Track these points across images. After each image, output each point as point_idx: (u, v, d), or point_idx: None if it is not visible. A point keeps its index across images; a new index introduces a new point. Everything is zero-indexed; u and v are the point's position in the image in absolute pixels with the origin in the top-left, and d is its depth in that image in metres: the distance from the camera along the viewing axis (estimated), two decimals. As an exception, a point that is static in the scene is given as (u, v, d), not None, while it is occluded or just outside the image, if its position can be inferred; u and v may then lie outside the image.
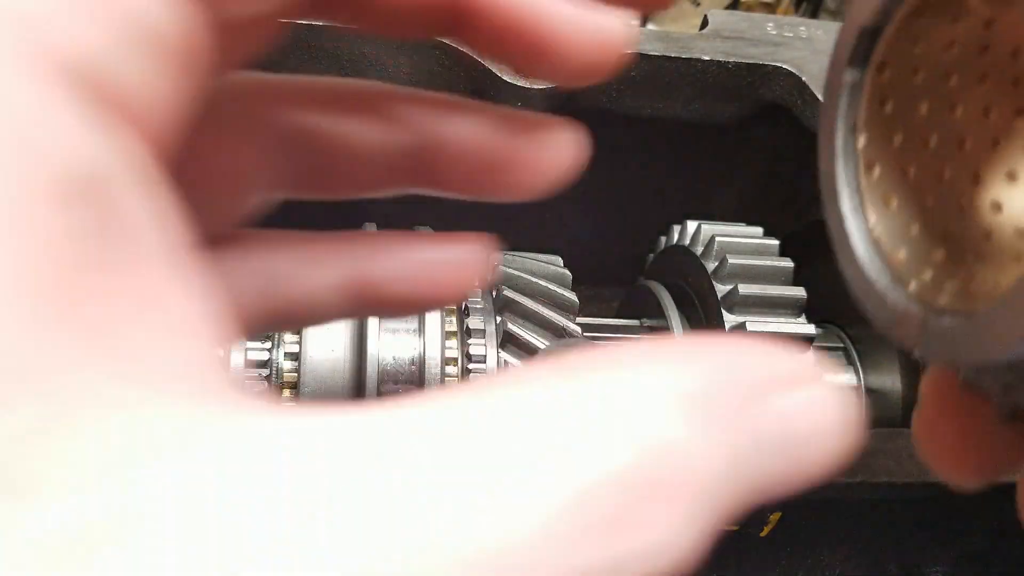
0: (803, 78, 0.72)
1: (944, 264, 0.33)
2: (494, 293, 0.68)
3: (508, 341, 0.65)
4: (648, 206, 0.88)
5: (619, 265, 0.90)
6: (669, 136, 0.79)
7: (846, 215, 0.33)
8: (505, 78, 0.69)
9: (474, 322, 0.66)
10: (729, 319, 0.65)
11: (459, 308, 0.67)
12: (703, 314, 0.69)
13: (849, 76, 0.32)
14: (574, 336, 0.65)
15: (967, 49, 0.32)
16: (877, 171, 0.34)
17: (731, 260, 0.66)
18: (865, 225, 0.33)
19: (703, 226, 0.71)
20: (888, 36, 0.31)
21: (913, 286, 0.32)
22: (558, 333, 0.66)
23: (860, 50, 0.32)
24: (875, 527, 0.60)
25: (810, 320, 0.66)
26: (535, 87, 0.69)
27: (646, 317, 0.75)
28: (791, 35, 0.76)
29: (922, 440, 0.36)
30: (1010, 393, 0.30)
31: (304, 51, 0.72)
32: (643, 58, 0.73)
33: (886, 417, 0.69)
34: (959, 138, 0.34)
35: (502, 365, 0.64)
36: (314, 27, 0.71)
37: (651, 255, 0.81)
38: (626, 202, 0.88)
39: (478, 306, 0.67)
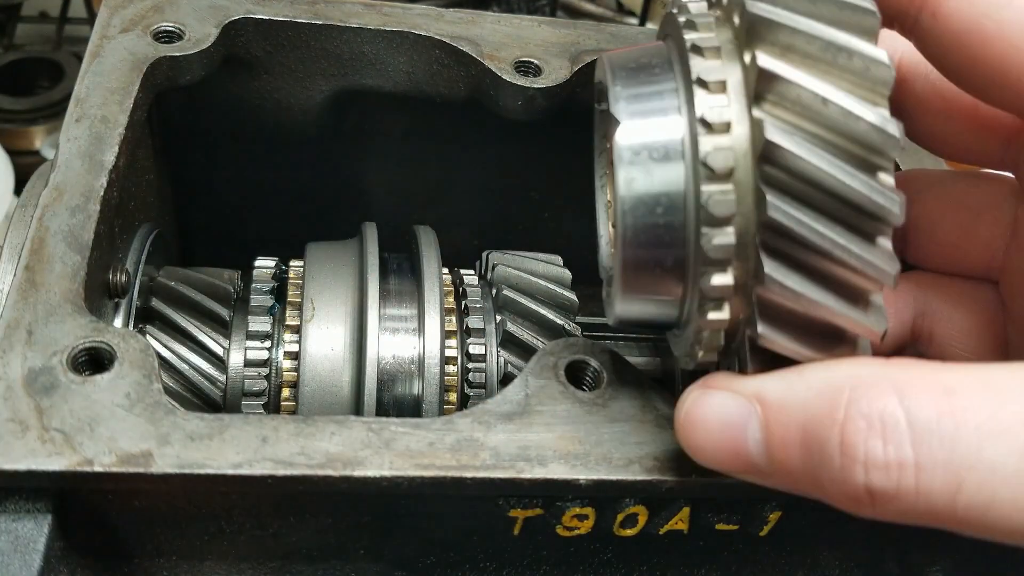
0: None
1: None
2: (494, 293, 0.68)
3: (507, 341, 0.65)
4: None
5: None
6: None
7: (599, 211, 0.57)
8: (505, 77, 0.69)
9: (474, 321, 0.65)
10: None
11: (459, 308, 0.67)
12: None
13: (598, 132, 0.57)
14: (573, 335, 0.65)
15: None
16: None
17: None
18: (606, 219, 0.57)
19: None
20: None
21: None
22: (557, 333, 0.66)
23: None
24: (875, 527, 0.60)
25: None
26: (535, 86, 0.69)
27: (646, 317, 0.75)
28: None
29: None
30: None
31: (304, 49, 0.72)
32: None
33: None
34: None
35: (501, 365, 0.64)
36: (314, 26, 0.71)
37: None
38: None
39: (478, 306, 0.67)
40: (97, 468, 0.46)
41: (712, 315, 0.45)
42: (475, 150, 0.82)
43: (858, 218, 0.41)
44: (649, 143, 0.44)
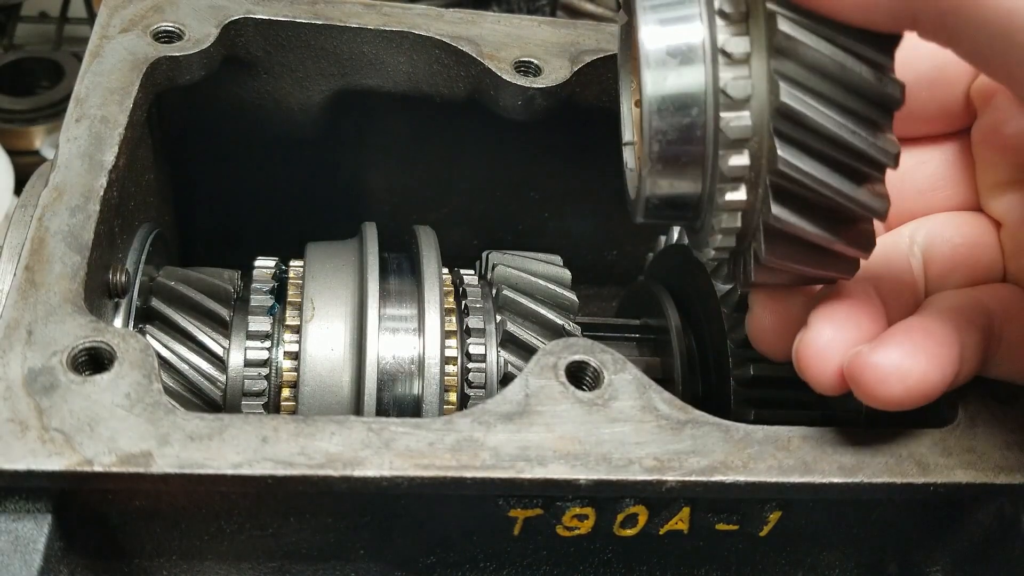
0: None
1: None
2: (494, 293, 0.68)
3: (508, 341, 0.65)
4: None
5: (619, 265, 0.90)
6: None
7: (624, 130, 0.57)
8: (505, 77, 0.69)
9: (474, 321, 0.65)
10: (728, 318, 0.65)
11: (459, 308, 0.67)
12: (702, 313, 0.69)
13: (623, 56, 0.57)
14: (573, 335, 0.65)
15: None
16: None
17: (731, 260, 0.66)
18: (633, 138, 0.57)
19: (703, 226, 0.71)
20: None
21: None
22: (557, 333, 0.66)
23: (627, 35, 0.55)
24: (875, 527, 0.60)
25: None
26: (535, 86, 0.69)
27: (646, 316, 0.75)
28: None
29: None
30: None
31: (304, 49, 0.72)
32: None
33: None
34: None
35: (501, 365, 0.64)
36: (314, 26, 0.71)
37: (650, 254, 0.81)
38: (626, 202, 0.88)
39: (478, 306, 0.67)
40: (97, 468, 0.46)
41: (730, 196, 0.48)
42: (475, 150, 0.82)
43: (864, 107, 0.45)
44: (672, 46, 0.47)
